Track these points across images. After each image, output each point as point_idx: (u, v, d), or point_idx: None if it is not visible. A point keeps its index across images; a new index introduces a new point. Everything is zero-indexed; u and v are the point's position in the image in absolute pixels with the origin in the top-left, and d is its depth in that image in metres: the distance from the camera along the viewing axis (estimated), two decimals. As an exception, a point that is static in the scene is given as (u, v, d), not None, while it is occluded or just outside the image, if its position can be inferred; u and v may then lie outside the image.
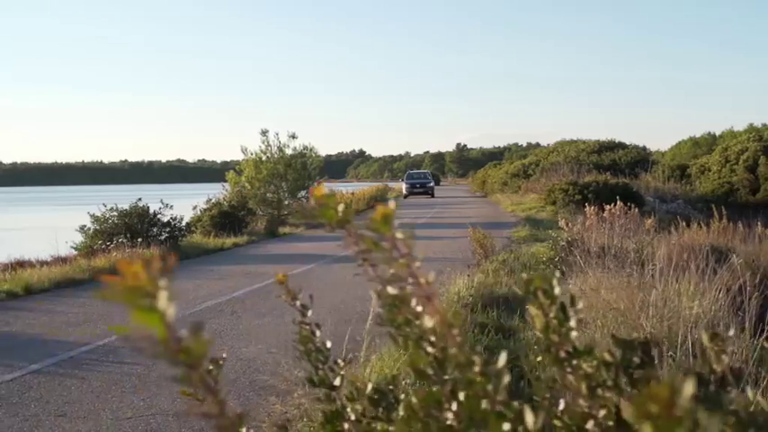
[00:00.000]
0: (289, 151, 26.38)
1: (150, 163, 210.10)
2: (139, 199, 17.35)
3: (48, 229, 34.47)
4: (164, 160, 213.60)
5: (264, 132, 26.02)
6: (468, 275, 9.60)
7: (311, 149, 27.05)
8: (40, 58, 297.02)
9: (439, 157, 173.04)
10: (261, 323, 8.77)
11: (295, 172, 26.08)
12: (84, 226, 17.03)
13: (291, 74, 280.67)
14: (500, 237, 19.32)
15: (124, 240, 16.01)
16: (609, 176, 28.68)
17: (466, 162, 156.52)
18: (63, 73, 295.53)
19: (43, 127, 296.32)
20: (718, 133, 70.60)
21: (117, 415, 5.45)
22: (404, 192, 49.75)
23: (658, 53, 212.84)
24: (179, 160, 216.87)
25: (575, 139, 49.48)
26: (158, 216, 17.34)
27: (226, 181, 25.36)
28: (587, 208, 12.14)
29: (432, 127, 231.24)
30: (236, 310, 9.71)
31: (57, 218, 50.42)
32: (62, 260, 15.73)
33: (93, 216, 16.99)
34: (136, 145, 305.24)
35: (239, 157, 26.18)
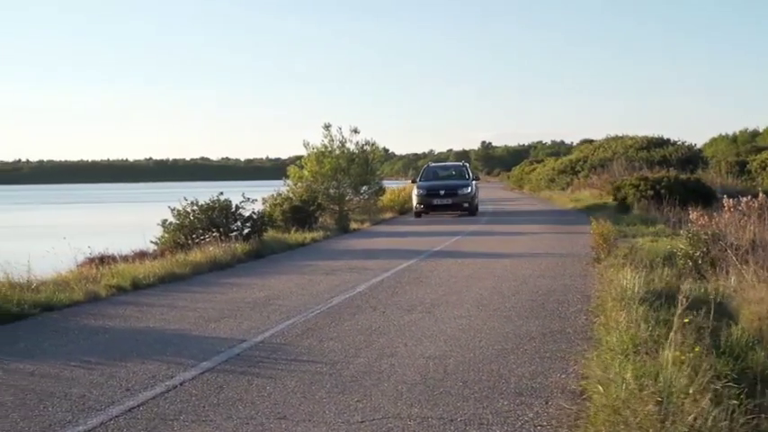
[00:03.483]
0: (351, 146, 25.87)
1: (175, 161, 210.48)
2: (221, 193, 16.89)
3: (107, 226, 34.33)
4: (188, 158, 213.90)
5: (327, 126, 25.57)
6: (631, 271, 8.99)
7: (373, 144, 26.53)
8: (62, 56, 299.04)
9: (463, 155, 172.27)
10: (413, 319, 8.26)
11: (358, 167, 25.59)
12: (166, 220, 16.59)
13: (310, 71, 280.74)
14: (580, 233, 18.82)
15: (216, 234, 15.50)
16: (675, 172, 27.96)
17: (491, 160, 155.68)
18: (86, 71, 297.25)
19: (69, 125, 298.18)
20: (752, 129, 69.73)
21: (345, 418, 4.95)
22: (415, 203, 26.71)
23: (679, 50, 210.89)
24: (202, 158, 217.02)
25: (620, 135, 48.60)
26: (240, 210, 16.88)
27: (253, 179, 25.07)
28: (727, 202, 11.43)
29: (455, 124, 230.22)
30: (373, 305, 9.20)
31: (105, 215, 50.36)
32: (143, 255, 15.35)
33: (174, 210, 16.54)
34: (160, 143, 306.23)
35: (262, 155, 26.06)
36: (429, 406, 5.15)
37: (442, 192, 26.05)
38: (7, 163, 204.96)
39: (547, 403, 5.15)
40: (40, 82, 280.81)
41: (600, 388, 4.88)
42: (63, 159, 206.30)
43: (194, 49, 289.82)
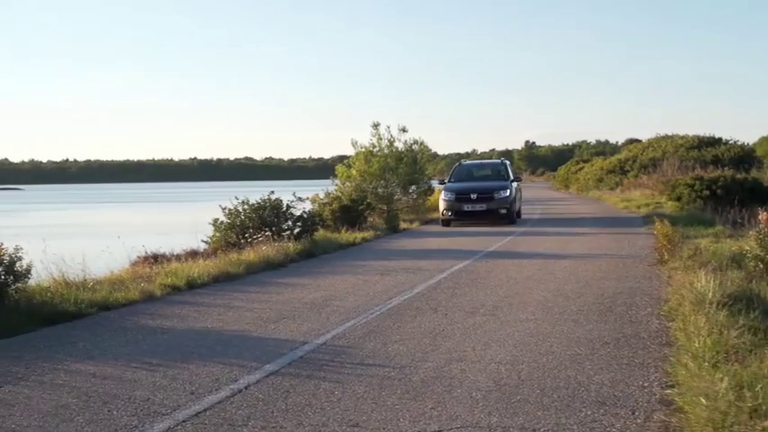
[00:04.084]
0: (399, 145, 25.65)
1: (219, 161, 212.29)
2: (272, 192, 16.78)
3: (156, 225, 34.55)
4: (232, 158, 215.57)
5: (376, 125, 25.36)
6: (703, 273, 8.62)
7: (421, 143, 26.27)
8: (106, 58, 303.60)
9: (507, 155, 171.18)
10: (477, 322, 8.00)
11: (406, 166, 25.35)
12: (217, 219, 16.52)
13: (354, 71, 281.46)
14: (636, 233, 18.39)
15: (268, 234, 15.38)
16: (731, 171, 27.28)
17: (535, 160, 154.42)
18: (132, 71, 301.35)
19: (115, 125, 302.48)
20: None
21: (421, 427, 4.72)
22: (441, 209, 22.50)
23: (721, 49, 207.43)
24: (246, 158, 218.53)
25: (669, 134, 47.72)
26: (291, 210, 16.75)
27: (295, 178, 24.94)
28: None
29: (498, 124, 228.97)
30: (433, 307, 8.96)
31: (153, 214, 50.80)
32: (194, 254, 15.30)
33: (225, 209, 16.45)
34: (204, 143, 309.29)
35: (305, 155, 25.82)
36: (508, 415, 4.90)
37: (475, 195, 21.70)
38: (55, 162, 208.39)
39: (633, 414, 4.87)
40: (87, 83, 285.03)
41: (700, 399, 4.56)
42: (109, 159, 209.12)
43: (237, 47, 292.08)
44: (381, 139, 25.36)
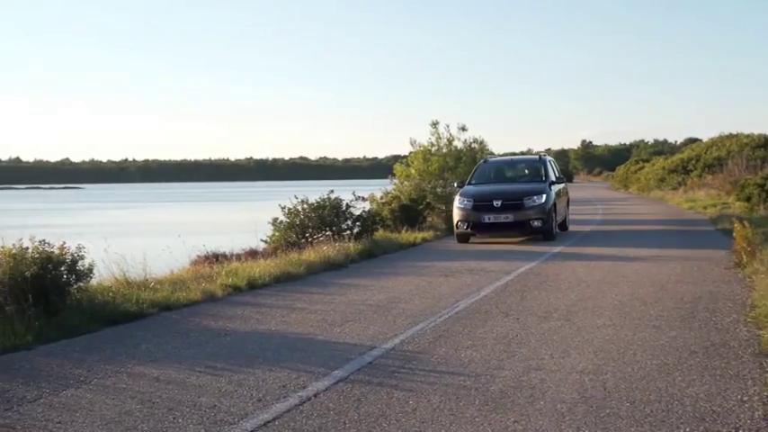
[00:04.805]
0: (458, 144, 25.24)
1: (274, 160, 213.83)
2: (331, 191, 16.56)
3: (215, 224, 34.72)
4: (287, 158, 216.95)
5: (435, 124, 24.98)
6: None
7: (481, 143, 25.82)
8: (172, 60, 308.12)
9: (562, 155, 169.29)
10: (551, 327, 7.62)
11: (465, 165, 24.90)
12: (276, 219, 16.35)
13: (408, 71, 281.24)
14: (705, 234, 17.77)
15: (328, 233, 15.16)
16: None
17: (591, 159, 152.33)
18: (192, 72, 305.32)
19: (173, 125, 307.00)
20: None
21: (506, 443, 4.38)
22: (456, 221, 17.39)
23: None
24: (301, 158, 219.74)
25: (734, 133, 46.46)
26: (350, 209, 16.51)
27: (349, 177, 24.58)
28: None
29: (554, 123, 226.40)
30: (504, 311, 8.60)
31: (212, 213, 51.20)
32: (254, 253, 15.16)
33: (285, 209, 16.28)
34: (260, 143, 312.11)
35: (359, 154, 25.39)
36: (599, 431, 4.54)
37: (498, 203, 16.57)
38: (115, 162, 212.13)
39: (737, 432, 4.47)
40: (143, 83, 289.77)
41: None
42: (167, 159, 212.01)
43: (293, 49, 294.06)
44: (440, 137, 24.98)
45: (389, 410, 5.03)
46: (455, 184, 20.06)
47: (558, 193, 17.98)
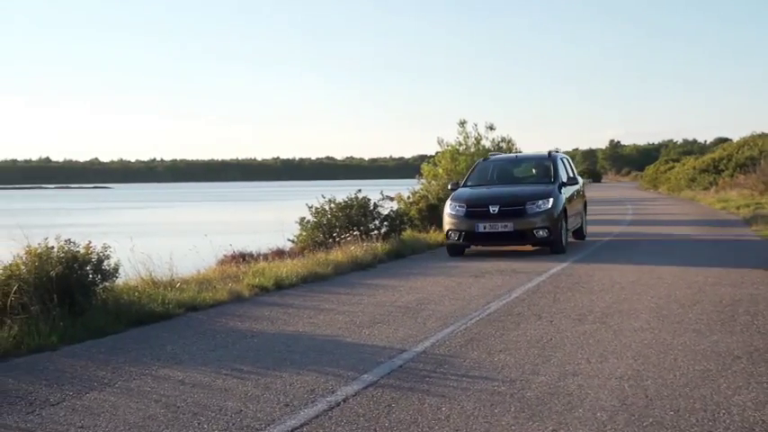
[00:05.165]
0: (487, 143, 24.99)
1: (301, 160, 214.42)
2: (359, 190, 16.40)
3: (242, 223, 34.72)
4: (313, 158, 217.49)
5: (462, 123, 24.77)
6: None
7: (509, 141, 25.56)
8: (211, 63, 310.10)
9: (590, 154, 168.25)
10: (587, 331, 7.38)
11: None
12: (304, 218, 16.22)
13: (433, 70, 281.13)
14: (740, 236, 17.43)
15: (356, 233, 15.00)
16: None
17: (619, 159, 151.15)
18: (219, 72, 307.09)
19: (201, 125, 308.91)
20: None
21: (545, 453, 4.17)
22: (446, 229, 14.79)
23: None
24: (328, 158, 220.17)
25: (766, 132, 45.75)
26: (378, 208, 16.34)
27: (377, 177, 24.30)
28: None
29: (581, 123, 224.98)
30: (536, 313, 8.37)
31: (239, 212, 51.32)
32: (281, 253, 15.05)
33: (312, 208, 16.14)
34: (287, 143, 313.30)
35: (386, 154, 25.12)
36: (642, 441, 4.32)
37: (495, 208, 14.03)
38: (143, 162, 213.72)
39: (790, 444, 4.22)
40: (171, 83, 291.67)
41: None
42: (195, 158, 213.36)
43: (322, 49, 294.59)
44: (468, 137, 24.77)
45: (421, 417, 4.84)
46: (449, 186, 16.31)
47: (571, 198, 15.54)
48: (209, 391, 5.56)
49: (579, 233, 16.82)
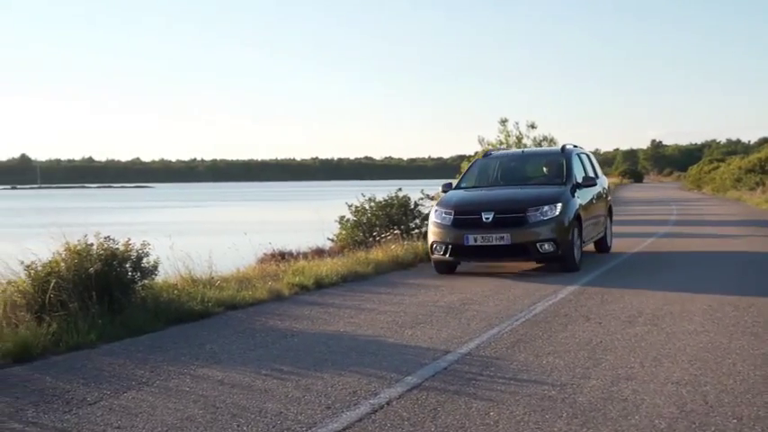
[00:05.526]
0: (528, 141, 24.68)
1: (340, 160, 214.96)
2: (399, 189, 16.22)
3: (282, 222, 34.73)
4: (352, 158, 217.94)
5: (503, 121, 24.51)
6: None
7: (550, 140, 25.21)
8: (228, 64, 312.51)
9: (631, 155, 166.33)
10: (638, 333, 7.11)
11: (535, 163, 24.33)
12: (343, 217, 16.08)
13: (474, 70, 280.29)
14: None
15: (396, 232, 14.81)
16: None
17: (661, 159, 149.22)
18: (275, 73, 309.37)
19: (239, 126, 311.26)
20: None
21: (601, 462, 3.94)
22: (430, 241, 11.97)
23: None
24: (366, 158, 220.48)
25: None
26: (419, 207, 16.14)
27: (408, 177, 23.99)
28: None
29: (622, 123, 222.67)
30: (584, 315, 8.11)
31: (279, 211, 51.46)
32: (320, 252, 14.92)
33: (352, 207, 15.99)
34: (326, 143, 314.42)
35: (424, 154, 24.83)
36: (706, 451, 4.06)
37: (489, 216, 11.42)
38: (184, 162, 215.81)
39: None
40: (214, 87, 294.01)
41: None
42: (235, 159, 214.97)
43: (361, 49, 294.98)
44: (509, 135, 24.48)
45: (469, 422, 4.63)
46: (440, 189, 13.39)
47: (589, 202, 12.77)
48: (248, 391, 5.41)
49: (602, 244, 14.11)
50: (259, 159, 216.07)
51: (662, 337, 6.92)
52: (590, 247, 13.58)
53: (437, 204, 12.19)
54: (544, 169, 13.41)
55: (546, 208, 11.33)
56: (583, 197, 12.40)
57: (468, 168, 14.01)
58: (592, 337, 6.95)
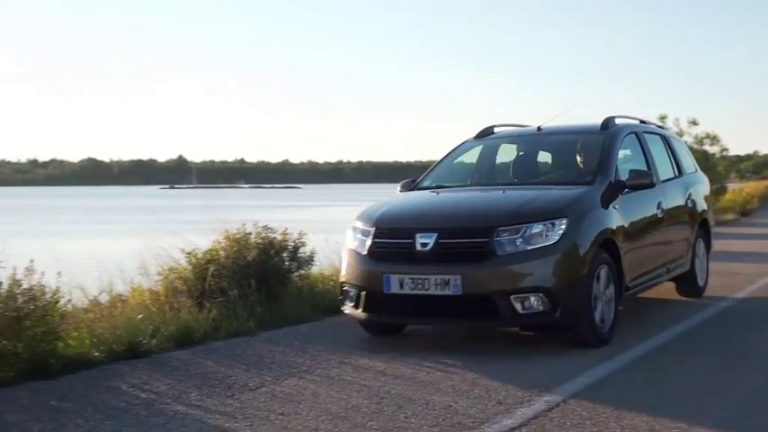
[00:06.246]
0: (689, 139, 23.36)
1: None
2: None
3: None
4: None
5: (663, 117, 23.23)
6: None
7: (713, 138, 23.78)
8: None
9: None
10: None
11: (697, 162, 23.02)
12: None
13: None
14: None
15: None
16: None
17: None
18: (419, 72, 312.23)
19: (386, 126, 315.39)
20: None
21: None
22: (341, 283, 6.71)
23: None
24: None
25: None
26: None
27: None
28: None
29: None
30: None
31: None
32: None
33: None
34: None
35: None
36: None
37: (427, 241, 5.94)
38: (331, 163, 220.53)
39: None
40: (361, 90, 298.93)
41: None
42: (380, 160, 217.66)
43: (516, 50, 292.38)
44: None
45: (658, 424, 4.17)
46: (398, 188, 7.96)
47: (652, 218, 7.31)
48: (412, 383, 5.13)
49: (687, 282, 8.49)
50: (404, 161, 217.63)
51: None
52: (668, 285, 8.39)
53: (357, 218, 6.87)
54: (577, 158, 7.41)
55: (535, 228, 5.87)
56: (631, 207, 6.83)
57: (447, 155, 8.24)
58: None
